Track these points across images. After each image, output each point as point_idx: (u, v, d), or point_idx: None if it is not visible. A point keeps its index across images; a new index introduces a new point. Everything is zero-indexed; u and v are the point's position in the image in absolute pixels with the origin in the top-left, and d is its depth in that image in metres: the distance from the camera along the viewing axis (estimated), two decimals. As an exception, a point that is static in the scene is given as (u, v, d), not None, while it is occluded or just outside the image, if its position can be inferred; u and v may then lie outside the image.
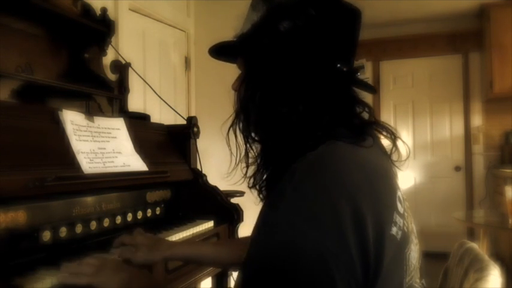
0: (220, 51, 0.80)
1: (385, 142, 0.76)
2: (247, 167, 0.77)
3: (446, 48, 4.51)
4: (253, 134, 0.74)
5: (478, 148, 4.43)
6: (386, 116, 4.74)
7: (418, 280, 0.70)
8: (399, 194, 0.67)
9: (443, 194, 4.51)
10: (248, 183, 0.78)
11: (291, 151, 0.68)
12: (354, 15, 0.75)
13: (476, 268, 0.85)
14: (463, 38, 4.43)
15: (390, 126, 0.77)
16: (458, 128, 4.52)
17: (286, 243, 0.56)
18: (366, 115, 0.75)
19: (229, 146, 0.75)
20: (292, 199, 0.59)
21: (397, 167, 0.75)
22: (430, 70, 4.63)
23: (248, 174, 0.77)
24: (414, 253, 0.69)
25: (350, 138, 0.66)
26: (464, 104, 4.49)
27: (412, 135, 4.70)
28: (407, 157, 0.75)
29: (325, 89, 0.70)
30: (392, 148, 0.74)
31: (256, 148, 0.76)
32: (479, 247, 1.01)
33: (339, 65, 0.71)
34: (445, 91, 4.57)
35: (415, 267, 0.69)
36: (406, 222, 0.66)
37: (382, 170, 0.68)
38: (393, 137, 0.75)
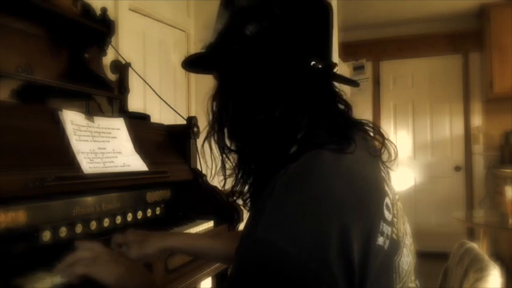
0: (193, 65, 0.78)
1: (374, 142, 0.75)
2: (225, 179, 0.74)
3: (446, 48, 4.51)
4: (229, 144, 0.72)
5: (478, 148, 4.43)
6: (386, 116, 4.74)
7: (411, 284, 0.69)
8: (387, 201, 0.65)
9: (443, 194, 4.51)
10: (229, 198, 0.76)
11: (271, 159, 0.66)
12: (323, 8, 0.72)
13: (476, 268, 0.85)
14: (463, 38, 4.43)
15: (376, 125, 0.75)
16: (458, 128, 4.53)
17: (266, 262, 0.54)
18: (352, 114, 0.73)
19: (204, 158, 0.73)
20: (271, 215, 0.56)
21: (388, 167, 0.73)
22: (430, 70, 4.63)
23: (227, 187, 0.74)
24: (406, 258, 0.67)
25: (334, 144, 0.64)
26: (464, 104, 4.50)
27: (412, 135, 4.70)
28: (396, 156, 0.73)
29: (300, 89, 0.68)
30: (381, 148, 0.72)
31: (233, 159, 0.72)
32: (479, 247, 1.01)
33: (313, 63, 0.68)
34: (445, 91, 4.57)
35: (408, 272, 0.68)
36: (396, 229, 0.64)
37: (369, 179, 0.66)
38: (380, 136, 0.73)
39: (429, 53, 4.58)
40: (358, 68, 4.66)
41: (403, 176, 4.57)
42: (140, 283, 0.83)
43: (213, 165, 0.73)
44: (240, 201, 0.75)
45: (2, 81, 1.35)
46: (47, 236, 1.09)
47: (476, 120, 4.44)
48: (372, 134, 0.74)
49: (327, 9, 0.73)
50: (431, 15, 4.33)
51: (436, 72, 4.61)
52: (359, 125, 0.73)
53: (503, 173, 3.66)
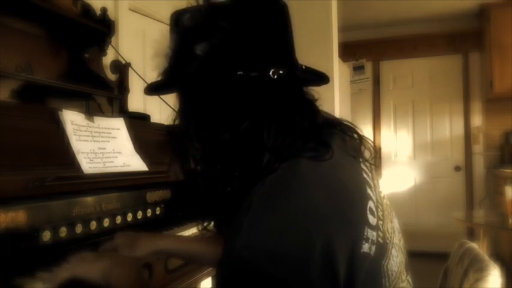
0: (155, 91, 0.76)
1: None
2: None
3: (446, 48, 4.51)
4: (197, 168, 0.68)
5: (478, 148, 4.43)
6: (387, 116, 4.74)
7: (402, 284, 0.68)
8: (370, 204, 0.63)
9: (443, 194, 4.51)
10: (218, 231, 0.73)
11: (245, 174, 0.63)
12: (277, 10, 0.67)
13: (476, 268, 0.85)
14: (463, 38, 4.43)
15: (352, 123, 0.73)
16: (458, 128, 4.52)
17: (245, 283, 0.53)
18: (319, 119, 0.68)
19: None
20: (249, 232, 0.54)
21: (370, 164, 0.71)
22: (430, 70, 4.63)
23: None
24: (395, 258, 0.66)
25: (310, 151, 0.60)
26: (464, 104, 4.50)
27: (412, 135, 4.70)
28: (376, 152, 0.72)
29: (263, 100, 0.64)
30: (360, 147, 0.70)
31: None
32: (479, 247, 1.00)
33: (272, 70, 0.63)
34: (445, 91, 4.57)
35: (398, 273, 0.67)
36: (381, 232, 0.63)
37: (350, 185, 0.63)
38: (357, 135, 0.71)
39: (429, 53, 4.58)
40: (358, 68, 4.66)
41: (403, 176, 4.57)
42: (127, 273, 0.80)
43: None
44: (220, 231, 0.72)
45: (2, 81, 1.35)
46: (47, 236, 1.09)
47: (476, 120, 4.44)
48: (349, 134, 0.71)
49: (282, 10, 0.68)
50: (431, 15, 4.33)
51: (436, 72, 4.61)
52: (336, 125, 0.70)
53: (503, 173, 3.66)
